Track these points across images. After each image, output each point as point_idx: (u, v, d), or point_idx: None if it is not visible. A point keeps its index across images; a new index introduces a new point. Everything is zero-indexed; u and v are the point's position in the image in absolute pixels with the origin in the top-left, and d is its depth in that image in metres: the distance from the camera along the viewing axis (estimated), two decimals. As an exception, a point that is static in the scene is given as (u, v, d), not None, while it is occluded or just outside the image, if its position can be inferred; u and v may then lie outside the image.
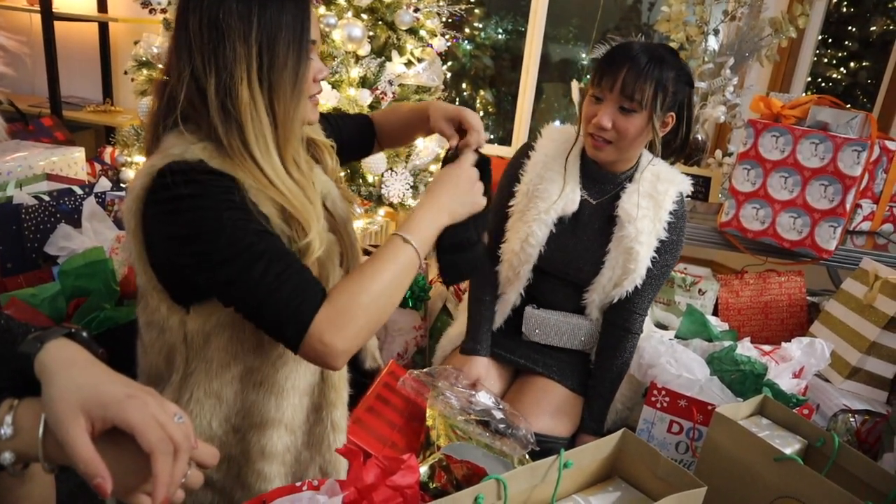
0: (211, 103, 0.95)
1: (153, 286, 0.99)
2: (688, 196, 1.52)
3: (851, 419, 1.58)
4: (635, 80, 1.31)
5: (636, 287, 1.45)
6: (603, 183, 1.48)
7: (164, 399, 0.64)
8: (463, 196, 1.07)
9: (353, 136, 1.38)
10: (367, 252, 2.05)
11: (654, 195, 1.44)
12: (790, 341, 1.58)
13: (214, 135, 0.96)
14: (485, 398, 1.39)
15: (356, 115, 1.47)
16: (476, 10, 3.99)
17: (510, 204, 1.51)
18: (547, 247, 1.48)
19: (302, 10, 0.99)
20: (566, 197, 1.45)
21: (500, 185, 1.56)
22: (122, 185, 2.01)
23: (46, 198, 1.70)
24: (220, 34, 0.94)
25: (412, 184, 2.24)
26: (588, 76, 1.44)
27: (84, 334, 0.70)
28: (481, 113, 4.18)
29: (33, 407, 0.62)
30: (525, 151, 1.52)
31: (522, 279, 1.51)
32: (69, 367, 0.63)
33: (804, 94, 2.78)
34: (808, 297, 2.05)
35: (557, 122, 1.61)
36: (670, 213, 1.45)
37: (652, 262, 1.45)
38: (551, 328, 1.54)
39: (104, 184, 1.89)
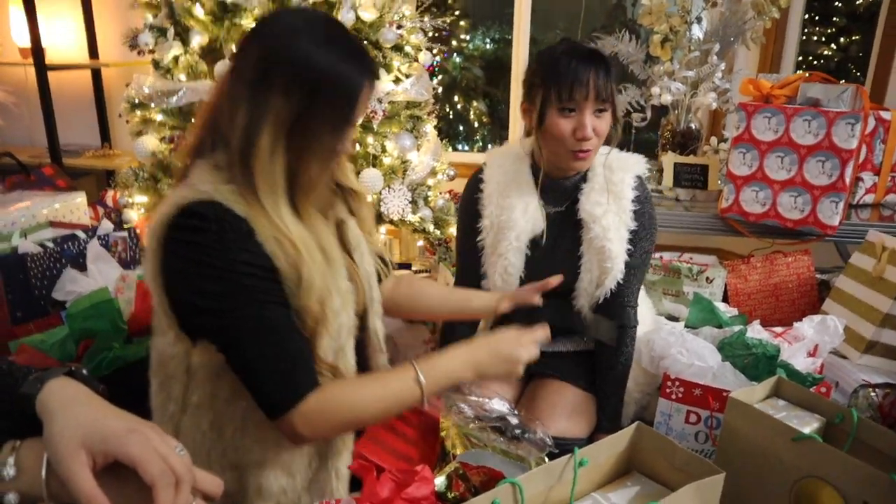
0: (236, 136, 0.96)
1: (164, 310, 1.00)
2: (646, 175, 1.49)
3: (872, 394, 1.55)
4: (605, 80, 1.31)
5: (618, 282, 1.43)
6: (560, 191, 1.46)
7: (165, 433, 0.64)
8: (498, 365, 1.07)
9: None
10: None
11: (611, 188, 1.42)
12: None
13: (234, 174, 0.97)
14: (499, 405, 1.38)
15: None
16: (461, 23, 4.02)
17: (479, 239, 1.49)
18: (526, 270, 1.46)
19: (357, 86, 0.98)
20: (531, 217, 1.44)
21: (462, 224, 1.54)
22: (124, 225, 2.03)
23: (51, 245, 1.72)
24: (265, 79, 0.95)
25: (411, 199, 2.25)
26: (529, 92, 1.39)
27: (84, 372, 0.71)
28: (475, 124, 4.20)
29: (35, 447, 0.63)
30: (476, 185, 1.50)
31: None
32: (70, 404, 0.63)
33: (799, 73, 2.77)
34: (818, 275, 2.03)
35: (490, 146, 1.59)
36: (632, 201, 1.43)
37: (628, 254, 1.43)
38: (553, 337, 1.52)
39: (106, 226, 1.92)
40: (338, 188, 1.17)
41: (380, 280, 1.27)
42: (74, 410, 0.63)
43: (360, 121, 1.04)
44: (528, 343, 1.10)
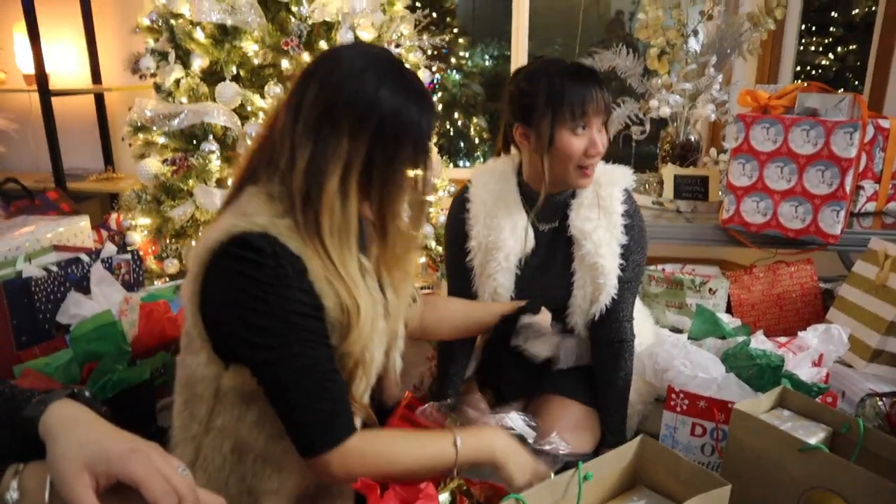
0: (298, 179, 0.94)
1: (198, 332, 0.98)
2: (633, 188, 1.48)
3: (880, 402, 1.54)
4: (606, 95, 1.32)
5: (613, 298, 1.42)
6: (551, 207, 1.44)
7: (167, 453, 0.65)
8: (520, 470, 1.06)
9: None
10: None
11: (601, 203, 1.41)
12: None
13: (293, 210, 0.95)
14: (516, 420, 1.37)
15: None
16: (460, 40, 4.06)
17: (467, 260, 1.47)
18: (517, 289, 1.45)
19: (427, 128, 0.97)
20: (520, 237, 1.42)
21: (450, 245, 1.52)
22: (127, 248, 2.04)
23: (55, 268, 1.72)
24: (332, 121, 0.93)
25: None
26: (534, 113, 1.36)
27: (86, 393, 0.71)
28: (476, 140, 4.22)
29: (38, 470, 0.63)
30: (462, 206, 1.48)
31: None
32: (72, 426, 0.64)
33: (796, 83, 2.78)
34: (821, 284, 2.03)
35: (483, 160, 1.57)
36: (622, 215, 1.41)
37: (620, 269, 1.41)
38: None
39: (110, 249, 1.92)
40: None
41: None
42: (77, 432, 0.63)
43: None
44: (539, 475, 1.09)
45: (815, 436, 1.13)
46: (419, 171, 1.00)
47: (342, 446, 0.95)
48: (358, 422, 1.05)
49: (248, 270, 0.91)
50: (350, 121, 0.93)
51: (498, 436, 1.09)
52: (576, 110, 1.30)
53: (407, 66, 1.05)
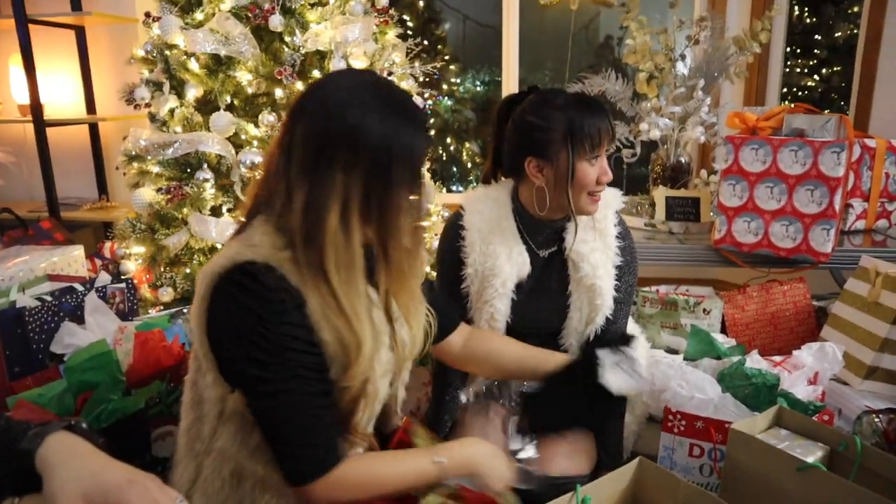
0: (296, 218, 0.95)
1: (204, 353, 0.99)
2: (631, 213, 1.53)
3: (876, 420, 1.54)
4: (612, 121, 1.36)
5: (607, 318, 1.44)
6: (545, 232, 1.46)
7: (164, 485, 0.64)
8: (493, 475, 1.08)
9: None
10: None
11: (596, 226, 1.44)
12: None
13: (294, 244, 0.96)
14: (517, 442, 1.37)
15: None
16: (451, 67, 4.11)
17: (463, 287, 1.48)
18: (513, 314, 1.46)
19: (418, 145, 0.97)
20: (516, 263, 1.43)
21: (445, 272, 1.52)
22: (122, 276, 2.04)
23: (49, 298, 1.72)
24: (324, 158, 0.93)
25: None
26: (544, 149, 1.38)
27: (84, 425, 0.71)
28: (469, 164, 4.26)
29: (35, 503, 0.63)
30: (457, 232, 1.48)
31: None
32: (70, 458, 0.64)
33: (783, 105, 2.83)
34: (814, 302, 2.04)
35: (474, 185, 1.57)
36: (616, 237, 1.45)
37: (615, 289, 1.44)
38: None
39: (104, 278, 1.92)
40: None
41: (426, 336, 1.21)
42: (74, 464, 0.63)
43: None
44: (510, 482, 1.12)
45: (812, 454, 1.13)
46: (416, 192, 1.01)
47: (326, 476, 0.97)
48: (360, 451, 1.06)
49: (250, 302, 0.92)
50: (342, 155, 0.93)
51: (477, 446, 1.11)
52: (594, 142, 1.34)
53: (394, 84, 1.06)
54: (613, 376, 1.22)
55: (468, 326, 1.40)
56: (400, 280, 1.05)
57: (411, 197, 0.99)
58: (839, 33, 3.37)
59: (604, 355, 1.22)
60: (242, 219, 1.06)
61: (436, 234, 2.45)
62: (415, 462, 1.05)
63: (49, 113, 3.09)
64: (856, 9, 3.11)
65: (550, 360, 1.34)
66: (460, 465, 1.07)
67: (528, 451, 1.25)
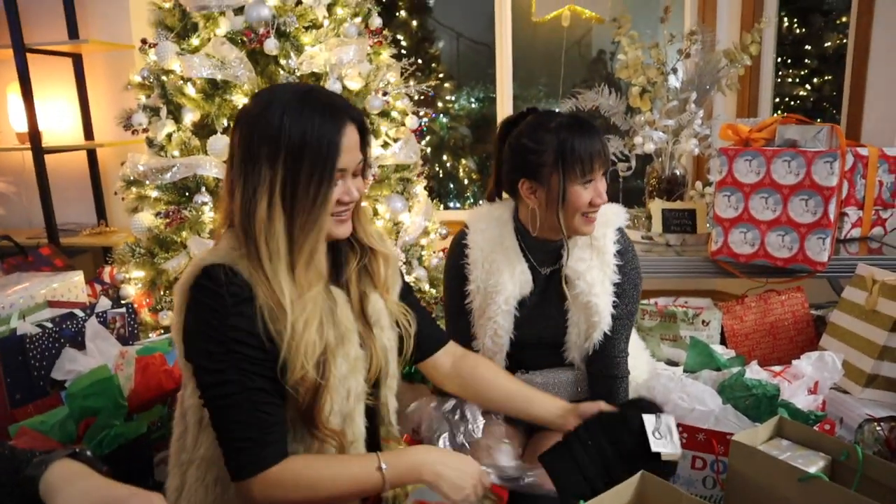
0: (237, 216, 1.04)
1: (184, 362, 1.05)
2: (627, 226, 1.52)
3: (878, 428, 1.54)
4: (606, 144, 1.38)
5: (606, 334, 1.44)
6: (546, 250, 1.49)
7: (166, 501, 0.66)
8: (455, 482, 1.08)
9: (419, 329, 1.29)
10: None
11: (594, 243, 1.45)
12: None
13: (241, 245, 1.04)
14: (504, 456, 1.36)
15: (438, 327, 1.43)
16: (446, 84, 4.14)
17: (466, 302, 1.51)
18: (516, 330, 1.49)
19: (332, 137, 1.03)
20: (519, 280, 1.46)
21: (450, 288, 1.55)
22: (122, 301, 2.04)
23: (49, 325, 1.72)
24: (252, 156, 1.02)
25: (405, 260, 2.27)
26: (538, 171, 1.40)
27: (88, 453, 0.72)
28: (465, 181, 4.28)
29: None
30: (461, 251, 1.51)
31: (500, 365, 1.52)
32: (74, 480, 0.66)
33: (776, 115, 2.85)
34: (813, 311, 2.05)
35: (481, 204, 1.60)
36: (615, 255, 1.45)
37: (614, 306, 1.45)
38: (547, 389, 1.52)
39: (104, 303, 1.92)
40: (359, 247, 1.19)
41: (400, 353, 1.25)
42: (78, 484, 0.65)
43: (350, 166, 1.07)
44: (484, 480, 1.12)
45: (814, 465, 1.13)
46: (335, 174, 1.04)
47: (264, 474, 0.99)
48: (333, 450, 1.08)
49: (205, 298, 1.00)
50: (265, 149, 1.01)
51: (427, 453, 1.11)
52: (585, 167, 1.36)
53: (318, 86, 1.11)
54: (661, 442, 1.20)
55: (460, 349, 1.41)
56: (304, 251, 1.05)
57: (325, 183, 1.04)
58: (829, 43, 3.41)
59: (649, 422, 1.19)
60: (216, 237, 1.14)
61: (433, 252, 2.47)
62: (359, 467, 1.04)
63: (47, 140, 3.11)
64: (844, 19, 3.15)
65: (539, 402, 1.34)
66: (408, 473, 1.06)
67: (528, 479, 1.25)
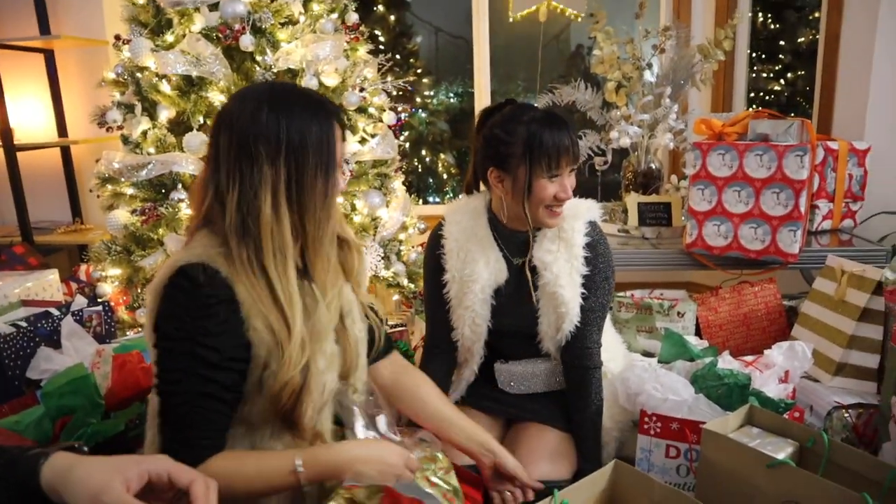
0: (230, 217, 1.03)
1: (154, 359, 1.04)
2: (603, 219, 1.55)
3: (846, 415, 1.59)
4: (575, 141, 1.40)
5: (577, 325, 1.47)
6: (516, 241, 1.51)
7: None
8: (378, 471, 1.06)
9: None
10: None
11: (561, 235, 1.47)
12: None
13: (228, 244, 1.04)
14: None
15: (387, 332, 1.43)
16: (424, 80, 4.14)
17: (444, 292, 1.54)
18: (493, 318, 1.52)
19: (328, 132, 1.06)
20: (494, 269, 1.49)
21: (428, 279, 1.59)
22: (98, 299, 2.03)
23: (24, 324, 1.70)
24: (248, 156, 1.02)
25: (383, 255, 2.28)
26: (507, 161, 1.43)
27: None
28: (444, 175, 4.29)
29: None
30: (437, 242, 1.55)
31: (477, 355, 1.55)
32: (83, 460, 0.70)
33: (749, 110, 2.89)
34: (785, 302, 2.09)
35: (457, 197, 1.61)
36: (584, 247, 1.47)
37: (583, 298, 1.47)
38: (525, 378, 1.56)
39: (80, 301, 1.90)
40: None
41: (372, 343, 1.28)
42: (91, 459, 0.69)
43: (341, 158, 1.11)
44: (410, 465, 1.11)
45: (782, 451, 1.16)
46: (336, 168, 1.08)
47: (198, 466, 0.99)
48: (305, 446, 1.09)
49: (181, 297, 1.00)
50: (264, 149, 1.02)
51: (349, 451, 1.07)
52: (551, 161, 1.38)
53: (296, 84, 1.13)
54: None
55: (403, 361, 1.41)
56: (315, 247, 1.08)
57: (330, 177, 1.07)
58: (802, 38, 3.45)
59: None
60: (186, 237, 1.14)
61: (412, 247, 2.47)
62: (274, 469, 1.03)
63: (19, 137, 3.06)
64: (816, 14, 3.19)
65: (453, 429, 1.32)
66: (327, 472, 1.04)
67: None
